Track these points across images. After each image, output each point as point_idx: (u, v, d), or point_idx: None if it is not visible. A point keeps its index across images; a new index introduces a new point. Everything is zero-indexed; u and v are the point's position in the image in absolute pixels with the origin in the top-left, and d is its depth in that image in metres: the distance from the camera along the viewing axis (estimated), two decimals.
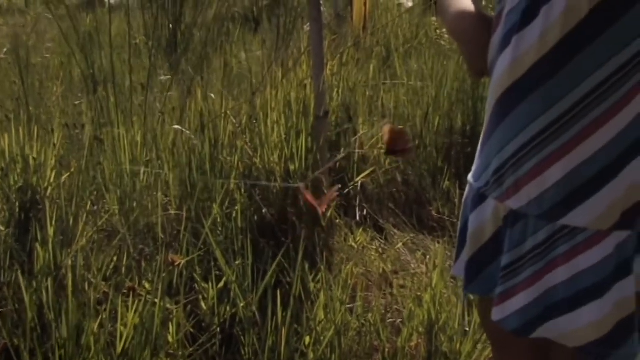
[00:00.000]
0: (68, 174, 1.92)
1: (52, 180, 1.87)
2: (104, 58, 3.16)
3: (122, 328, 1.44)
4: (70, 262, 1.67)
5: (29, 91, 2.51)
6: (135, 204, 2.07)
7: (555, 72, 0.92)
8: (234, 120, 2.18)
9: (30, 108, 2.21)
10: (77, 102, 2.30)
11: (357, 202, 2.47)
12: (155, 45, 3.98)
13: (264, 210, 2.02)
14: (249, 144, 2.11)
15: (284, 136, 2.13)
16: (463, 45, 1.07)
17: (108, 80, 2.53)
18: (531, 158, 0.97)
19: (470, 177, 1.13)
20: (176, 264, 1.61)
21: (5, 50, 3.60)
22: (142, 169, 2.06)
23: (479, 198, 1.09)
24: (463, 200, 1.16)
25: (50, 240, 1.68)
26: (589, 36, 0.89)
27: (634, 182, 0.92)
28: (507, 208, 1.03)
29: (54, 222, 1.69)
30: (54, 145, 1.88)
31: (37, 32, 4.51)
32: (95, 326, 1.44)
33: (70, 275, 1.61)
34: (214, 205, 2.04)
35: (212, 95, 2.49)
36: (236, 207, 2.01)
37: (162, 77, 2.86)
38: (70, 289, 1.43)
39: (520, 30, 0.95)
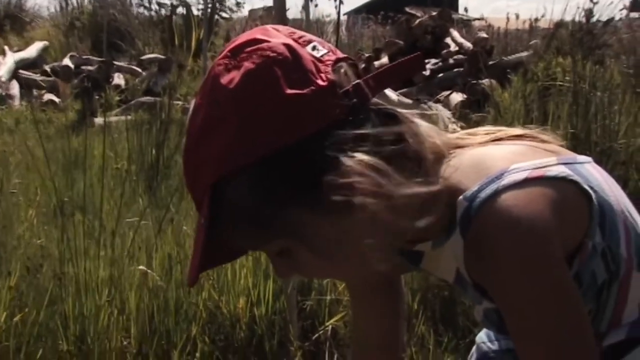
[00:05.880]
0: (21, 314, 1.84)
1: (2, 321, 1.78)
2: (81, 183, 3.14)
3: None
4: None
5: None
6: (92, 345, 1.98)
7: None
8: None
9: None
10: (39, 241, 2.25)
11: (327, 346, 2.37)
12: (136, 171, 3.97)
13: None
14: (216, 287, 2.05)
15: (251, 280, 2.07)
16: None
17: (82, 207, 2.49)
18: None
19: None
20: None
21: None
22: (104, 309, 1.98)
23: None
24: None
25: None
26: None
27: None
28: None
29: None
30: (9, 287, 1.81)
31: (22, 153, 4.52)
32: None
33: None
34: (174, 351, 1.95)
35: (185, 229, 2.45)
36: (197, 354, 1.92)
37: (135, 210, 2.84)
38: None
39: None
